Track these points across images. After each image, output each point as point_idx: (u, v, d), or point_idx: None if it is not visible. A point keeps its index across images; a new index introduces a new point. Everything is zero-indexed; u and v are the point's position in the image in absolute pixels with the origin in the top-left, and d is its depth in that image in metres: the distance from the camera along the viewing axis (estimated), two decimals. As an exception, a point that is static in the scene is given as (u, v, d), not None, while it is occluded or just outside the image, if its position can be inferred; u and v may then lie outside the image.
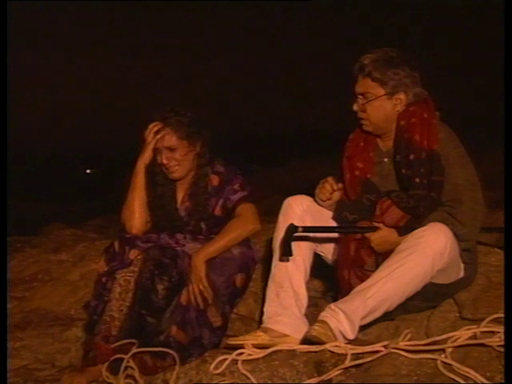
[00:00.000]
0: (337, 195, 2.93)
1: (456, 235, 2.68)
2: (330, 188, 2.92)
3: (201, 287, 2.98)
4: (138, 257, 2.99)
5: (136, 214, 3.13)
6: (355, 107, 2.87)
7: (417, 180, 2.71)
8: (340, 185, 2.93)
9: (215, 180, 3.20)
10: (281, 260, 2.86)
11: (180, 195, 3.23)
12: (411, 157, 2.73)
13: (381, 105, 2.82)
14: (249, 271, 3.18)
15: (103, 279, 3.00)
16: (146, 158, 3.14)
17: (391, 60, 2.79)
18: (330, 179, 2.94)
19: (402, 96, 2.81)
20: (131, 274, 2.97)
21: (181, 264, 3.05)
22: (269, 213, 3.63)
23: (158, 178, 3.18)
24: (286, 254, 2.81)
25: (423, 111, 2.79)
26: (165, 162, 3.11)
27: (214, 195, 3.18)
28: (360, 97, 2.85)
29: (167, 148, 3.11)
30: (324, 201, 2.93)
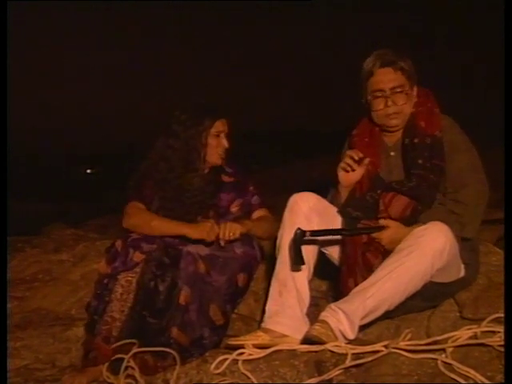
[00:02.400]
0: (361, 170, 2.89)
1: (461, 224, 2.71)
2: (356, 156, 2.88)
3: (231, 234, 3.04)
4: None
5: (140, 230, 3.11)
6: (389, 103, 2.86)
7: (420, 161, 2.76)
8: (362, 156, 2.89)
9: (227, 179, 3.30)
10: (293, 270, 2.84)
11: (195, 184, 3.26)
12: (416, 140, 2.80)
13: (409, 97, 2.87)
14: (251, 271, 3.18)
15: (105, 280, 3.00)
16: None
17: (405, 55, 2.89)
18: (352, 151, 2.92)
19: (415, 88, 2.91)
20: (133, 275, 2.98)
21: (183, 264, 3.04)
22: (270, 212, 3.63)
23: (179, 170, 3.21)
24: (298, 262, 2.77)
25: (427, 101, 2.88)
26: (226, 145, 3.25)
27: (227, 190, 3.25)
28: (388, 91, 2.85)
29: (223, 132, 3.25)
30: (348, 172, 2.89)
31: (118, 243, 3.07)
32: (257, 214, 3.28)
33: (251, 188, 3.31)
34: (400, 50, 2.89)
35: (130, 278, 2.97)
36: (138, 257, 3.00)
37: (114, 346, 2.86)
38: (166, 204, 3.18)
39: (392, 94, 2.85)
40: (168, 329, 2.92)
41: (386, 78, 2.85)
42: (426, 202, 2.75)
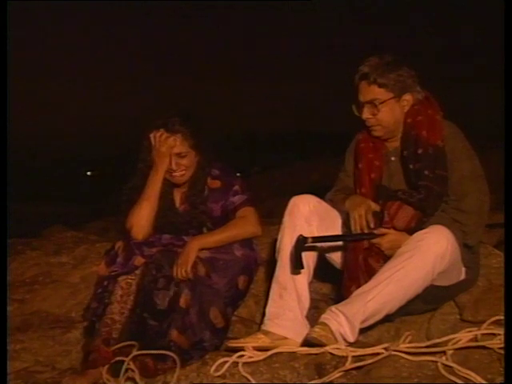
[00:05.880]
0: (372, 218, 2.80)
1: (464, 233, 2.70)
2: (369, 209, 2.79)
3: (183, 272, 2.97)
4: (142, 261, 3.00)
5: (146, 221, 3.12)
6: (365, 115, 2.88)
7: (426, 172, 2.75)
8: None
9: (214, 183, 3.22)
10: (292, 273, 2.84)
11: (177, 198, 3.25)
12: (419, 151, 2.78)
13: (390, 108, 2.86)
14: (251, 273, 3.18)
15: (105, 282, 3.00)
16: (165, 165, 3.13)
17: (391, 64, 2.83)
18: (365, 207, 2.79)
19: (408, 97, 2.87)
20: (133, 277, 2.98)
21: None
22: (270, 215, 3.63)
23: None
24: (297, 266, 2.77)
25: (427, 108, 2.85)
26: (174, 167, 3.14)
27: (215, 199, 3.20)
28: (368, 104, 2.86)
29: (177, 154, 3.13)
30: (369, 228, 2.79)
31: (119, 245, 3.07)
32: (239, 213, 3.19)
33: (236, 188, 3.21)
34: (394, 57, 2.86)
35: (129, 281, 2.97)
36: (138, 261, 3.01)
37: (114, 348, 2.85)
38: (157, 222, 3.17)
39: (369, 106, 2.87)
40: (168, 331, 2.92)
41: (363, 91, 2.87)
42: (431, 213, 2.75)
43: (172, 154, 3.13)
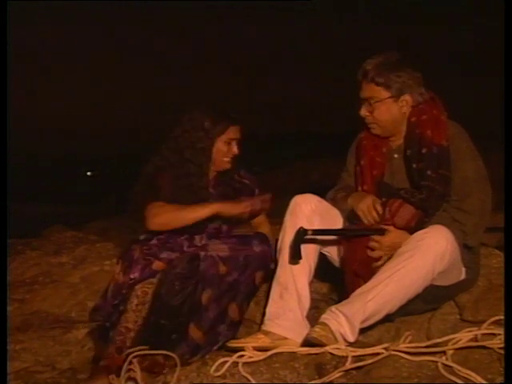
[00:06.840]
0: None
1: (464, 233, 2.70)
2: (374, 207, 2.81)
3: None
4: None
5: (170, 227, 3.06)
6: (362, 112, 2.89)
7: (429, 172, 2.74)
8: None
9: (245, 180, 3.33)
10: (290, 263, 2.85)
11: (212, 175, 3.26)
12: (423, 150, 2.77)
13: (387, 108, 2.85)
14: (267, 269, 3.16)
15: (123, 290, 2.98)
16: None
17: (393, 63, 2.84)
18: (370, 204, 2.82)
19: (407, 98, 2.86)
20: (149, 286, 2.96)
21: (203, 267, 3.03)
22: (271, 215, 3.62)
23: (187, 155, 3.16)
24: (296, 257, 2.78)
25: (432, 108, 2.85)
26: (236, 152, 3.21)
27: (247, 194, 3.26)
28: (366, 102, 2.87)
29: (238, 140, 3.22)
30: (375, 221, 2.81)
31: (135, 250, 3.03)
32: (258, 218, 3.31)
33: (257, 191, 3.32)
34: (399, 57, 2.87)
35: (146, 289, 2.95)
36: (158, 265, 2.98)
37: (124, 354, 2.85)
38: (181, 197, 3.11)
39: (366, 104, 2.88)
40: (184, 326, 2.93)
41: (362, 89, 2.88)
42: (433, 212, 2.75)
43: (235, 140, 3.20)
